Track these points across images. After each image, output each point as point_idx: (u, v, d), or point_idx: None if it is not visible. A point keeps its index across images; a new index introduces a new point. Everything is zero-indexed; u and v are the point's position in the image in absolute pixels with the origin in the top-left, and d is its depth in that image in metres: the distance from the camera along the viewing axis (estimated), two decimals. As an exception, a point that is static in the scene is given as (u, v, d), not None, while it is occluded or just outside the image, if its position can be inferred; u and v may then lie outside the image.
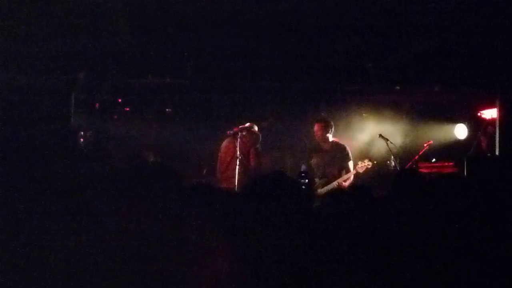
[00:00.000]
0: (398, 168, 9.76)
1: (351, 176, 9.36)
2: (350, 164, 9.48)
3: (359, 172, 9.36)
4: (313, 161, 9.47)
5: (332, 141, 9.56)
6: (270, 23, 7.90)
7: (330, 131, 9.52)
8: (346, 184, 9.20)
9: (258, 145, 9.77)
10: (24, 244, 2.89)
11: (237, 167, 9.09)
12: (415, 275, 3.37)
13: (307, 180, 8.38)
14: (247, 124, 9.70)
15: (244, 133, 9.49)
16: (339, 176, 9.36)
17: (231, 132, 9.54)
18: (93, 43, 8.48)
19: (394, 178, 4.47)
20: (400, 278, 3.37)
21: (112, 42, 8.61)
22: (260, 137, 9.83)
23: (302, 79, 10.66)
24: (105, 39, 8.42)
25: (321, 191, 9.04)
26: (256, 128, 9.87)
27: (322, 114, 11.54)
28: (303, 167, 9.38)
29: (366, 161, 9.42)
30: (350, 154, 9.51)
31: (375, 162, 9.58)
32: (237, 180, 8.97)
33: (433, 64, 9.68)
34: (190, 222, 3.05)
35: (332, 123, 9.63)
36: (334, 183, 9.19)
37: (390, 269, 3.33)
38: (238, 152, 9.24)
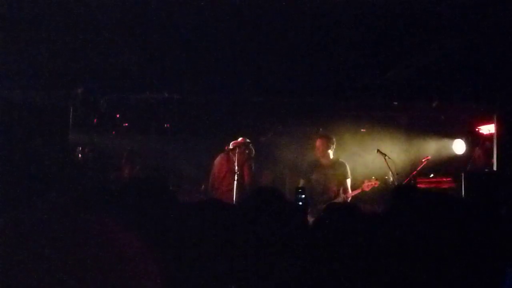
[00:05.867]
0: (396, 184, 9.76)
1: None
2: (348, 182, 9.50)
3: (365, 191, 9.40)
4: (314, 176, 9.45)
5: (332, 158, 9.57)
6: (268, 39, 7.92)
7: (331, 147, 9.53)
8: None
9: (251, 161, 9.78)
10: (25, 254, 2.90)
11: (235, 182, 9.10)
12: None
13: (303, 196, 8.35)
14: (240, 139, 9.70)
15: (242, 149, 9.51)
16: (338, 192, 9.36)
17: (229, 147, 9.55)
18: (91, 58, 8.50)
19: (392, 194, 4.46)
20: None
21: (110, 58, 8.63)
22: (254, 152, 9.84)
23: (301, 95, 10.68)
24: (103, 55, 8.43)
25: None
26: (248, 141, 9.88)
27: (320, 130, 11.54)
28: (302, 182, 9.38)
29: (373, 179, 9.46)
30: (349, 172, 9.52)
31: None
32: (234, 196, 8.98)
33: (431, 79, 9.69)
34: (185, 236, 3.06)
35: (334, 139, 9.64)
36: (339, 200, 9.18)
37: (386, 284, 3.33)
38: (236, 167, 9.25)
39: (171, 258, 3.07)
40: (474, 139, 11.75)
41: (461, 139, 11.87)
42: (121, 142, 11.46)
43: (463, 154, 11.80)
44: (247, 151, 9.68)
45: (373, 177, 9.56)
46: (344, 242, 3.53)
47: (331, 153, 9.54)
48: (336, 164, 9.54)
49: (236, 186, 9.13)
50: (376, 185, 9.44)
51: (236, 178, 9.20)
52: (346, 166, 9.54)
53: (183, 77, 9.83)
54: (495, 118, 10.69)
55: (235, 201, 8.86)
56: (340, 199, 9.19)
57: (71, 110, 10.07)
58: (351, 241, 3.52)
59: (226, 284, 3.15)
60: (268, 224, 3.41)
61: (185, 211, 3.55)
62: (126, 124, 12.16)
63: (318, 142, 9.63)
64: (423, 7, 6.85)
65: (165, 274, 2.96)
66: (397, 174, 9.84)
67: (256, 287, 3.19)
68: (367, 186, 9.42)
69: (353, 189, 9.51)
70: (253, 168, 9.88)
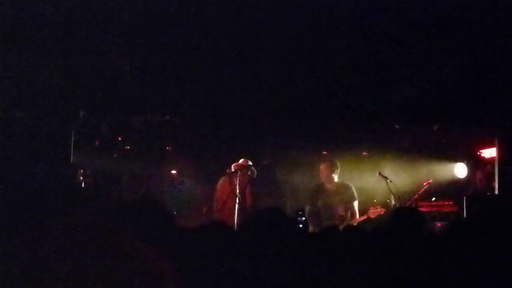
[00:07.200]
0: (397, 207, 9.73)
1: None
2: (355, 204, 9.44)
3: (371, 217, 9.34)
4: (320, 202, 9.40)
5: (337, 182, 9.53)
6: (270, 61, 7.95)
7: (336, 171, 9.50)
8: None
9: (253, 183, 9.77)
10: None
11: (236, 205, 9.08)
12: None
13: (304, 218, 8.36)
14: (241, 161, 9.67)
15: (244, 171, 9.49)
16: (346, 216, 9.31)
17: (231, 170, 9.54)
18: (93, 80, 8.52)
19: (392, 215, 4.45)
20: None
21: (112, 80, 8.65)
22: (255, 174, 9.82)
23: (303, 117, 10.68)
24: (105, 77, 8.46)
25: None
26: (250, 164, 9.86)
27: (323, 153, 11.53)
28: (308, 208, 9.31)
29: (379, 207, 9.41)
30: (355, 194, 9.48)
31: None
32: (236, 218, 8.95)
33: (432, 103, 9.71)
34: (186, 260, 3.04)
35: (338, 164, 9.61)
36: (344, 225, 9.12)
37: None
38: (237, 190, 9.23)
39: (172, 280, 3.05)
40: (475, 163, 11.73)
41: (463, 162, 11.85)
42: (123, 165, 11.46)
43: (464, 177, 11.77)
44: (249, 173, 9.67)
45: (379, 206, 9.52)
46: (344, 263, 3.52)
47: (335, 177, 9.52)
48: (342, 188, 9.50)
49: (238, 209, 9.11)
50: (382, 213, 9.37)
51: (238, 201, 9.18)
52: (351, 189, 9.50)
53: (185, 100, 9.84)
54: (496, 142, 10.68)
55: (237, 224, 8.83)
56: (345, 225, 9.12)
57: (73, 133, 10.08)
58: (350, 262, 3.51)
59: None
60: (269, 246, 3.40)
61: (186, 234, 3.55)
62: (128, 147, 12.15)
63: (322, 167, 9.61)
64: (426, 31, 6.90)
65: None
66: (398, 197, 9.81)
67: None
68: (373, 213, 9.36)
69: (359, 215, 9.46)
70: (255, 190, 9.86)
